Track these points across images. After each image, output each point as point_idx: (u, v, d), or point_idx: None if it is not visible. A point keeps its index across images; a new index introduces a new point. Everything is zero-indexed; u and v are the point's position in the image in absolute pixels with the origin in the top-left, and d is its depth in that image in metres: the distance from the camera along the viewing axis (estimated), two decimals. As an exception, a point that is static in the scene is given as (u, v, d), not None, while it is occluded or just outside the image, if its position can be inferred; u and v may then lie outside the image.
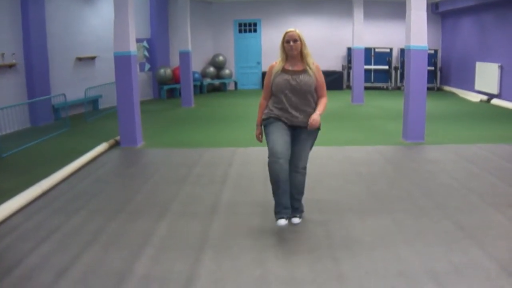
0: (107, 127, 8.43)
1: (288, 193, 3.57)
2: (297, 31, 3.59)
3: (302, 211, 3.88)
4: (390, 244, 3.40)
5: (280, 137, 3.52)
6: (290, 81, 3.57)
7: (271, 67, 3.71)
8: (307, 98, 3.61)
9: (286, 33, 3.59)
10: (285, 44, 3.58)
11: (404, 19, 6.98)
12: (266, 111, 3.72)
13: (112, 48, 6.86)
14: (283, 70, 3.63)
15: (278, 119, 3.62)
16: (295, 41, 3.55)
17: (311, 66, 3.63)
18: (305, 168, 3.71)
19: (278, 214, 3.54)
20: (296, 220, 3.79)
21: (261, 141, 3.83)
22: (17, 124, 8.31)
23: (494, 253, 3.19)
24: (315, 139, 3.72)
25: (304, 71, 3.61)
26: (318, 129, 3.70)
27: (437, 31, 14.69)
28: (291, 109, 3.59)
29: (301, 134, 3.65)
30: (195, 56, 12.71)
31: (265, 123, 3.70)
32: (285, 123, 3.62)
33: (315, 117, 3.54)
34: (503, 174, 5.14)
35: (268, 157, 3.49)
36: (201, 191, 4.75)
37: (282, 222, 3.48)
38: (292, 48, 3.56)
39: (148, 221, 3.93)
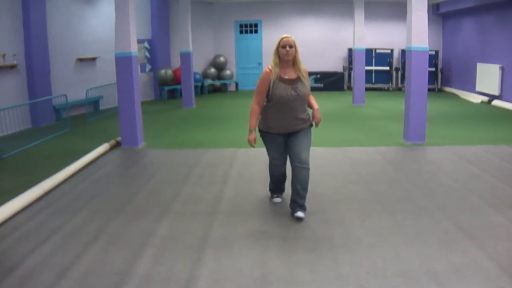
0: (108, 128, 8.44)
1: (281, 185, 4.26)
2: (292, 37, 3.75)
3: (305, 210, 3.93)
4: (390, 244, 3.40)
5: (277, 151, 3.96)
6: (291, 91, 3.73)
7: (267, 74, 3.79)
8: (304, 105, 3.85)
9: (282, 38, 3.75)
10: (281, 49, 3.74)
11: (405, 20, 6.98)
12: (264, 122, 3.91)
13: (113, 49, 6.87)
14: (281, 80, 3.76)
15: (275, 132, 3.85)
16: (290, 46, 3.72)
17: (304, 73, 3.82)
18: (308, 163, 3.82)
19: (272, 193, 4.35)
20: (300, 214, 3.82)
21: (253, 146, 3.92)
22: (18, 124, 8.33)
23: (494, 254, 3.20)
24: (310, 133, 3.94)
25: (299, 79, 3.80)
26: (311, 125, 3.94)
27: (438, 32, 14.68)
28: (290, 119, 3.79)
29: (298, 133, 3.85)
30: (196, 57, 12.74)
31: (263, 134, 3.95)
32: (282, 134, 3.85)
33: (318, 114, 3.93)
34: (503, 175, 5.14)
35: (269, 161, 4.08)
36: (202, 191, 4.76)
37: (277, 200, 4.32)
38: (288, 53, 3.72)
39: (149, 221, 3.95)
